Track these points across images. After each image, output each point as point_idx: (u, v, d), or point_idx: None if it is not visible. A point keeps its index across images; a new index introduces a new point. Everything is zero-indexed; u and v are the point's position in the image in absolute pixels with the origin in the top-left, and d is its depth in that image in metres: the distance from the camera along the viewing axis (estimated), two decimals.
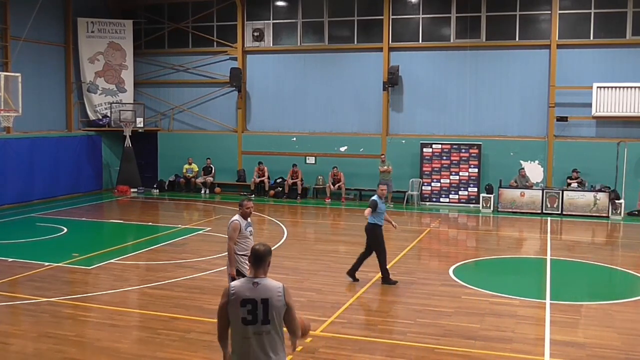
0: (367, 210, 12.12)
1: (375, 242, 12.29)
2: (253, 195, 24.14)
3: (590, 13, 21.93)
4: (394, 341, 9.31)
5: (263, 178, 24.90)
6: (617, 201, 20.87)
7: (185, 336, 9.32)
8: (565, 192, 21.20)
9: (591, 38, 21.98)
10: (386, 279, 12.28)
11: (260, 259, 5.22)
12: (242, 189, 25.40)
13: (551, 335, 9.54)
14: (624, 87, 21.14)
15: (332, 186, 23.84)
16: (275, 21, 25.43)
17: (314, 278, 12.81)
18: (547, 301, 11.32)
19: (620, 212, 20.80)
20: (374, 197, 12.28)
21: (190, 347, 8.91)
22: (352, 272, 12.49)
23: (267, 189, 24.79)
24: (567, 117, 21.83)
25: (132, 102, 26.43)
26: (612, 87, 21.24)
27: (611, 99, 21.25)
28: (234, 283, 5.28)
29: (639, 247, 16.48)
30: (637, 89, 21.04)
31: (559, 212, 21.06)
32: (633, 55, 21.59)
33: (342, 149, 24.60)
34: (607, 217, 20.67)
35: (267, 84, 25.76)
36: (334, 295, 11.52)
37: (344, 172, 23.92)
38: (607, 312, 10.77)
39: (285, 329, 5.20)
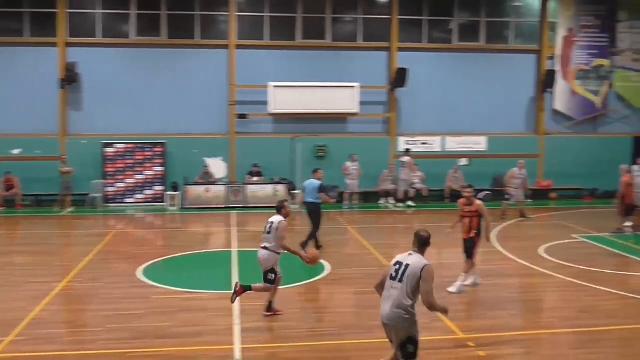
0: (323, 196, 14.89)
1: (317, 217, 14.88)
2: None
3: (265, 16, 23.20)
4: (83, 352, 8.79)
5: None
6: (293, 192, 22.40)
7: None
8: (247, 186, 22.15)
9: (267, 40, 23.25)
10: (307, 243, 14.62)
11: None
12: None
13: (241, 324, 9.84)
14: (296, 87, 22.74)
15: (4, 192, 21.66)
16: None
17: None
18: None
19: (297, 202, 22.28)
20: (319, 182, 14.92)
21: None
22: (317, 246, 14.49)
23: None
24: (247, 115, 22.79)
25: None
26: (286, 86, 22.71)
27: (285, 97, 22.71)
28: None
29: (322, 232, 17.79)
30: (307, 88, 22.79)
31: (243, 205, 21.92)
32: (302, 57, 23.37)
33: (15, 151, 22.55)
34: None
35: None
36: (12, 312, 10.46)
37: (19, 177, 21.87)
38: (292, 295, 11.45)
39: None
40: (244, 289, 9.94)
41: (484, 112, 24.44)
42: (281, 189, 22.30)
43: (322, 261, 14.10)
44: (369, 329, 9.77)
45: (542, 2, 24.62)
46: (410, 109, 24.11)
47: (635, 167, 18.62)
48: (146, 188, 22.67)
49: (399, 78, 23.20)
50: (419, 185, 23.13)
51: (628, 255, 15.35)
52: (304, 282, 12.49)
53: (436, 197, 23.36)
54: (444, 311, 7.42)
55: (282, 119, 23.34)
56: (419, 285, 6.86)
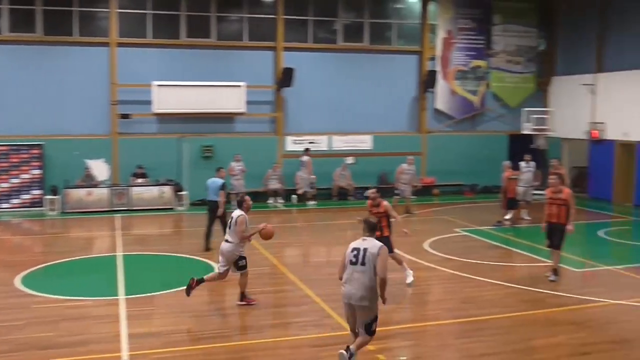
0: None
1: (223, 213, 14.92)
2: None
3: (148, 14, 22.60)
4: None
5: None
6: (180, 193, 22.02)
7: None
8: (132, 188, 21.52)
9: (149, 37, 22.67)
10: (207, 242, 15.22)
11: None
12: None
13: (128, 330, 9.55)
14: (181, 86, 22.32)
15: None
16: None
17: None
18: (121, 297, 11.30)
19: (184, 203, 21.97)
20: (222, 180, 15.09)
21: None
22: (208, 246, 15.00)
23: None
24: (129, 114, 22.12)
25: None
26: (170, 85, 22.23)
27: (170, 97, 22.23)
28: None
29: (202, 235, 17.53)
30: (193, 87, 22.43)
31: (128, 208, 21.27)
32: (187, 55, 22.97)
33: None
34: (172, 208, 21.63)
35: None
36: None
37: None
38: (180, 298, 11.20)
39: None
40: (197, 282, 10.64)
41: (368, 111, 24.92)
42: (167, 190, 21.81)
43: (210, 262, 13.93)
44: (259, 329, 9.75)
45: (422, 4, 25.38)
46: (297, 108, 24.22)
47: (522, 164, 19.63)
48: (23, 192, 21.49)
49: (285, 77, 23.27)
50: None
51: (507, 247, 16.12)
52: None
53: (324, 196, 23.58)
54: (384, 283, 7.85)
55: (167, 119, 22.83)
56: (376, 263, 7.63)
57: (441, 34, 25.70)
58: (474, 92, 26.31)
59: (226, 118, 23.42)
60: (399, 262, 12.23)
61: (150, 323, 9.97)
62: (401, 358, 9.05)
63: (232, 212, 11.08)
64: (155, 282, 12.62)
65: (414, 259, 14.25)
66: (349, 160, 24.11)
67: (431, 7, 25.46)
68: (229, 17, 23.85)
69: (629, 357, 8.80)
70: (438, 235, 16.94)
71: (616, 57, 23.96)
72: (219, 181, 15.30)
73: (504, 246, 16.19)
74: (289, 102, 24.11)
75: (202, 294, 11.57)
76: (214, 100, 22.71)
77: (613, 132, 23.82)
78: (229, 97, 22.85)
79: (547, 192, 12.83)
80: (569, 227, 12.45)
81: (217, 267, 11.28)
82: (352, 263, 7.75)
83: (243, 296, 10.87)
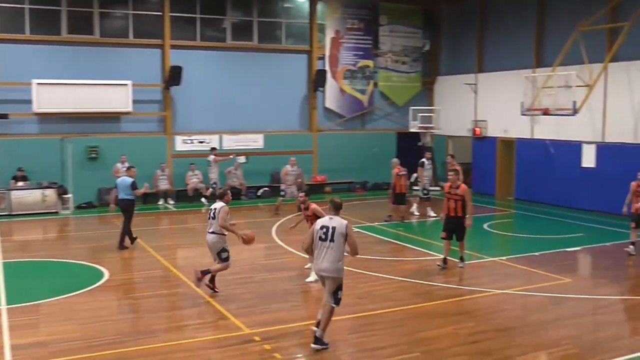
0: None
1: (131, 213, 15.36)
2: None
3: (26, 8, 21.48)
4: None
5: None
6: (65, 196, 21.13)
7: None
8: (12, 192, 20.44)
9: (28, 34, 21.59)
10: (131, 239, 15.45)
11: None
12: None
13: (11, 341, 9.05)
14: (63, 84, 21.42)
15: None
16: None
17: None
18: (3, 307, 10.71)
19: (70, 207, 21.10)
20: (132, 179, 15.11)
21: None
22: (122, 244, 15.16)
23: None
24: (7, 114, 20.99)
25: None
26: (51, 84, 21.29)
27: (52, 96, 21.28)
28: None
29: (90, 239, 16.95)
30: (76, 85, 21.58)
31: (8, 212, 20.18)
32: (69, 53, 22.06)
33: None
34: (57, 212, 20.73)
35: None
36: None
37: None
38: (68, 305, 10.77)
39: None
40: (203, 274, 11.22)
41: (259, 110, 24.86)
42: (50, 193, 20.85)
43: (99, 267, 13.46)
44: (152, 333, 9.50)
45: (310, 4, 25.58)
46: (186, 107, 23.80)
47: (425, 161, 20.33)
48: None
49: (174, 76, 22.81)
50: (198, 185, 23.01)
51: (398, 242, 16.54)
52: (82, 291, 11.78)
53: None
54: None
55: (49, 119, 21.82)
56: (345, 240, 8.68)
57: (329, 34, 26.01)
58: (362, 91, 26.80)
59: (112, 118, 22.69)
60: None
61: (35, 332, 9.49)
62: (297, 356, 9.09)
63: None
64: (40, 289, 12.00)
65: (308, 256, 14.32)
66: (241, 159, 23.95)
67: (319, 6, 25.71)
68: (113, 13, 23.10)
69: (513, 343, 9.22)
70: None
71: (496, 58, 25.13)
72: (128, 180, 15.36)
73: (395, 241, 16.60)
74: (177, 101, 23.66)
75: (90, 300, 11.16)
76: (99, 99, 21.99)
77: (494, 130, 24.94)
78: (114, 96, 22.18)
79: (445, 187, 13.69)
80: (467, 221, 13.32)
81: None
82: (321, 239, 8.75)
83: (213, 280, 11.52)
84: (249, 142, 24.81)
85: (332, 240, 8.68)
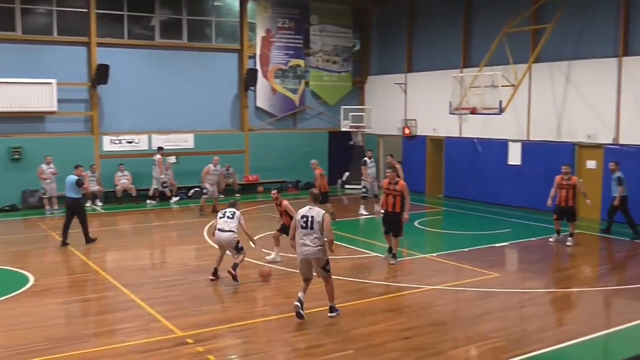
0: None
1: (81, 211, 15.78)
2: None
3: None
4: None
5: None
6: None
7: None
8: None
9: None
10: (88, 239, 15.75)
11: None
12: None
13: None
14: None
15: None
16: None
17: None
18: None
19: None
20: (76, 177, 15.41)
21: None
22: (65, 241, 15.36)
23: None
24: None
25: None
26: None
27: None
28: None
29: (14, 243, 16.39)
30: None
31: None
32: None
33: None
34: None
35: None
36: None
37: None
38: None
39: None
40: (234, 268, 12.10)
41: (189, 109, 24.54)
42: None
43: (24, 272, 13.02)
44: (83, 338, 9.25)
45: (240, 2, 25.40)
46: (113, 106, 23.25)
47: (367, 160, 20.40)
48: None
49: (100, 74, 22.25)
50: (127, 185, 22.55)
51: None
52: (6, 297, 11.36)
53: (143, 197, 22.88)
54: (332, 242, 10.22)
55: None
56: (323, 227, 9.84)
57: (260, 33, 25.90)
58: (294, 91, 26.81)
59: (36, 117, 21.95)
60: (276, 244, 14.04)
61: None
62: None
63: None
64: None
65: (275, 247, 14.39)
66: (171, 159, 23.60)
67: (250, 5, 25.56)
68: (36, 9, 22.36)
69: (445, 337, 9.38)
70: (263, 232, 16.99)
71: (424, 58, 25.55)
72: (73, 178, 15.55)
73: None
74: (104, 100, 23.10)
75: (15, 306, 10.78)
76: (21, 98, 21.25)
77: (424, 129, 25.36)
78: (38, 95, 21.48)
79: (383, 184, 13.98)
80: (405, 215, 13.67)
81: (232, 256, 12.40)
82: (302, 227, 9.91)
83: (235, 268, 12.15)
84: (179, 142, 24.45)
85: (311, 227, 9.84)
